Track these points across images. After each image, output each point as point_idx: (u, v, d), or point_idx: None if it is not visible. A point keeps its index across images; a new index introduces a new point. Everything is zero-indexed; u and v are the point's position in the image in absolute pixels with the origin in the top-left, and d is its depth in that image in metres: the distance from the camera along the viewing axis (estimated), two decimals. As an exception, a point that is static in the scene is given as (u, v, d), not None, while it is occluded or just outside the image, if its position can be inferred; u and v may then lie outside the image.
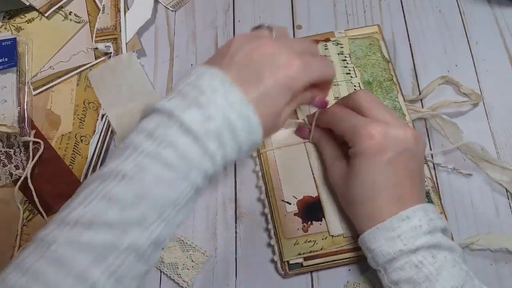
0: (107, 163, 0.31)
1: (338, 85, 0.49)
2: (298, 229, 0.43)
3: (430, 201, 0.44)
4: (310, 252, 0.42)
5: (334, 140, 0.44)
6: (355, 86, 0.49)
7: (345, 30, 0.53)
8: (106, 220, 0.28)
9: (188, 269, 0.43)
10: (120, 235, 0.28)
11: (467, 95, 0.50)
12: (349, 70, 0.50)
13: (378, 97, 0.47)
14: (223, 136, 0.31)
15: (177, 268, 0.43)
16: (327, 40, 0.51)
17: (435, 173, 0.47)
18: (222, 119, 0.31)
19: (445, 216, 0.44)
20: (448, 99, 0.50)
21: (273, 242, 0.43)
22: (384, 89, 0.49)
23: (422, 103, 0.51)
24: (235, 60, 0.34)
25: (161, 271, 0.43)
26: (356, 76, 0.49)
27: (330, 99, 0.48)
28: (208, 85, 0.32)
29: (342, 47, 0.51)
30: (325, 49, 0.51)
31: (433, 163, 0.47)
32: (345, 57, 0.50)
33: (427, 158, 0.47)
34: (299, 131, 0.47)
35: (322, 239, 0.43)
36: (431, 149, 0.48)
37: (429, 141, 0.49)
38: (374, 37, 0.52)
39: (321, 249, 0.42)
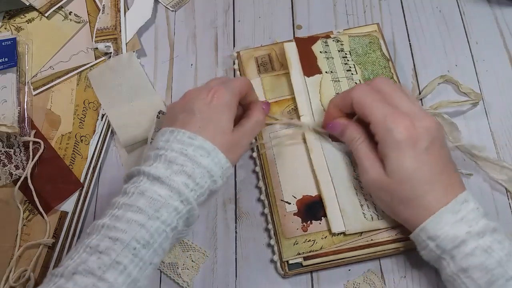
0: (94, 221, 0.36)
1: (339, 81, 0.49)
2: (297, 229, 0.43)
3: None
4: (310, 251, 0.42)
5: (368, 141, 0.41)
6: (355, 82, 0.49)
7: (344, 30, 0.53)
8: (86, 268, 0.32)
9: (188, 269, 0.43)
10: (98, 280, 0.32)
11: (466, 94, 0.50)
12: (350, 67, 0.50)
13: None
14: (186, 167, 0.36)
15: (177, 268, 0.43)
16: (328, 36, 0.51)
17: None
18: (180, 156, 0.37)
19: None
20: (448, 99, 0.50)
21: (273, 242, 0.43)
22: None
23: (422, 102, 0.51)
24: (176, 111, 0.41)
25: (161, 271, 0.43)
26: (357, 73, 0.49)
27: (331, 94, 0.48)
28: (161, 140, 0.38)
29: (342, 44, 0.51)
30: (326, 45, 0.50)
31: None
32: (346, 54, 0.50)
33: None
34: (332, 126, 0.44)
35: (322, 239, 0.42)
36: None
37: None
38: (374, 35, 0.51)
39: (321, 248, 0.42)
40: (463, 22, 0.56)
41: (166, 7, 0.58)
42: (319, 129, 0.46)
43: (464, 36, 0.55)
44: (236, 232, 0.45)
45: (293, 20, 0.56)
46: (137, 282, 0.33)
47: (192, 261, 0.43)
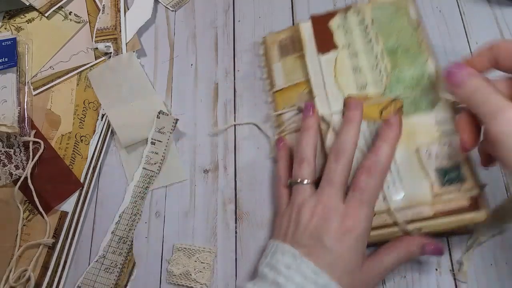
0: None
1: (357, 56, 0.45)
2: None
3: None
4: None
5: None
6: (376, 56, 0.44)
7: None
8: None
9: (201, 271, 0.43)
10: None
11: None
12: (371, 38, 0.45)
13: (403, 66, 0.42)
14: None
15: (190, 274, 0.43)
16: (347, 9, 0.47)
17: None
18: None
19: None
20: None
21: (273, 242, 0.43)
22: (411, 56, 0.44)
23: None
24: (300, 230, 0.35)
25: (176, 284, 0.43)
26: (378, 44, 0.45)
27: (347, 72, 0.44)
28: (282, 262, 0.34)
29: (363, 15, 0.47)
30: (344, 19, 0.47)
31: None
32: (367, 25, 0.46)
33: None
34: (451, 73, 0.34)
35: None
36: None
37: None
38: (402, 2, 0.47)
39: None
40: (463, 22, 0.55)
41: (166, 7, 0.58)
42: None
43: (464, 36, 0.55)
44: (236, 232, 0.45)
45: (293, 20, 0.56)
46: None
47: (202, 262, 0.43)
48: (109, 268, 0.43)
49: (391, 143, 0.37)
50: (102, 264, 0.44)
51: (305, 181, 0.38)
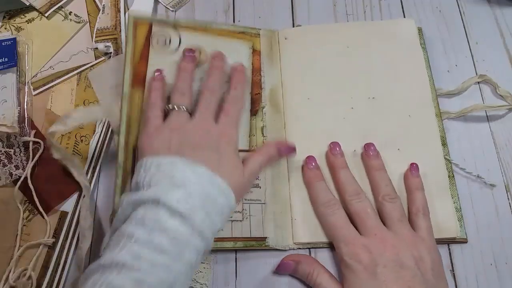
0: (105, 253, 0.33)
1: None
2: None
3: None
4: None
5: (324, 270, 0.41)
6: None
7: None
8: None
9: (200, 271, 0.43)
10: None
11: (503, 97, 0.50)
12: None
13: None
14: (206, 207, 0.35)
15: None
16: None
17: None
18: (199, 193, 0.35)
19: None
20: (480, 103, 0.50)
21: (273, 242, 0.44)
22: None
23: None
24: (185, 143, 0.39)
25: None
26: None
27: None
28: (174, 170, 0.36)
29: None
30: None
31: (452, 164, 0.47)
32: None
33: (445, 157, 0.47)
34: (282, 266, 0.42)
35: None
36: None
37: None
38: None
39: None
40: (463, 22, 0.56)
41: (166, 7, 0.57)
42: None
43: (464, 36, 0.55)
44: (236, 232, 0.45)
45: (293, 20, 0.56)
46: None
47: (202, 262, 0.43)
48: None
49: (243, 83, 0.46)
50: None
51: (183, 108, 0.42)
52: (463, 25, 0.55)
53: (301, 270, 0.41)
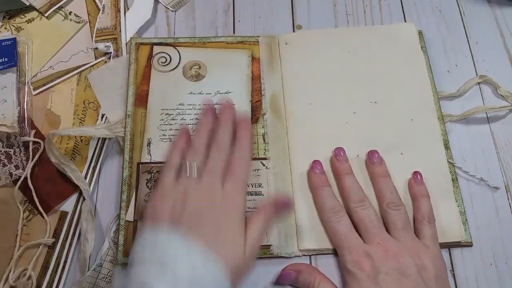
0: None
1: None
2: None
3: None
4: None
5: (325, 279, 0.41)
6: None
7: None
8: None
9: None
10: None
11: (504, 97, 0.50)
12: None
13: None
14: None
15: None
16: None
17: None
18: (188, 281, 0.32)
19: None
20: (482, 105, 0.50)
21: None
22: None
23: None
24: (185, 217, 0.35)
25: None
26: None
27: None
28: (167, 251, 0.33)
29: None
30: None
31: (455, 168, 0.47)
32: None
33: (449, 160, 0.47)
34: (284, 276, 0.42)
35: None
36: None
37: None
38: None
39: None
40: (463, 22, 0.56)
41: (166, 7, 0.57)
42: None
43: (464, 36, 0.55)
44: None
45: (293, 20, 0.56)
46: None
47: None
48: (106, 277, 0.43)
49: (249, 141, 0.41)
50: (99, 273, 0.43)
51: (195, 166, 0.39)
52: (463, 25, 0.55)
53: (302, 280, 0.40)
